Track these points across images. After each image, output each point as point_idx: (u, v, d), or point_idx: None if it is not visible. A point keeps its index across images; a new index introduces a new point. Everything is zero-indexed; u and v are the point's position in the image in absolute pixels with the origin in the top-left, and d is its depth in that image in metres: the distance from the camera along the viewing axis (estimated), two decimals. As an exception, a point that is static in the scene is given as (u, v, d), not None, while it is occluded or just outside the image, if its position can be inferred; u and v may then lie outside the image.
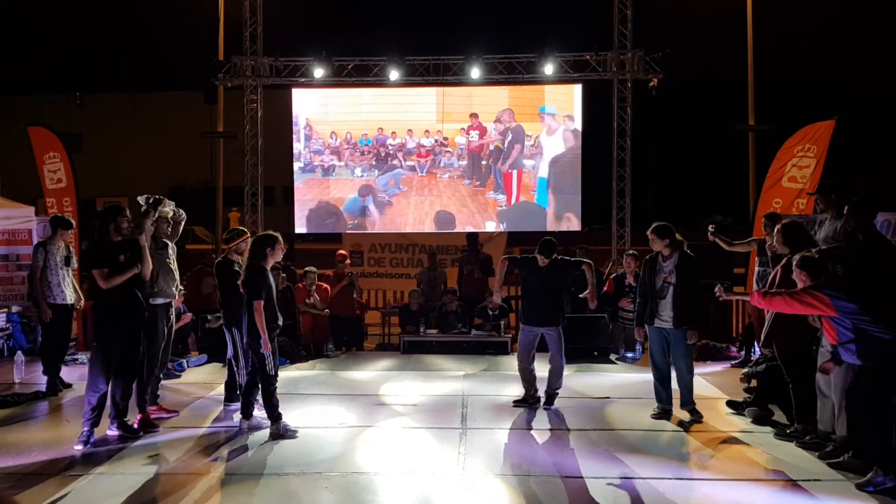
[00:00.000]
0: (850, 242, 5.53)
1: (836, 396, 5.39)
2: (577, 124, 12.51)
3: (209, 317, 7.17)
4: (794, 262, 5.29)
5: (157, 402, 6.64)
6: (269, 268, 6.13)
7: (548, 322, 6.91)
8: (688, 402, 6.55)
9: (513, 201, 12.67)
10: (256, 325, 5.92)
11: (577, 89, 12.56)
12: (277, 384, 6.10)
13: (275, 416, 6.03)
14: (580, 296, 7.07)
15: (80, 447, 5.62)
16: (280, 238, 6.25)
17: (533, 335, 6.98)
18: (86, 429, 5.73)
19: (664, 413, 6.58)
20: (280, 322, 6.27)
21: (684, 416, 6.51)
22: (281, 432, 5.96)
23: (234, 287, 6.28)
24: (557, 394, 7.00)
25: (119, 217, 5.90)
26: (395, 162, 12.70)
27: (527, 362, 6.98)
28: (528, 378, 7.01)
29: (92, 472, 5.15)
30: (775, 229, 6.15)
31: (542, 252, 6.88)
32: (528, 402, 6.99)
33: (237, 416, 6.36)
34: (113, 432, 5.92)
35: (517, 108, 12.62)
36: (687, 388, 6.55)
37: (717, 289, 5.91)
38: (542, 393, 7.03)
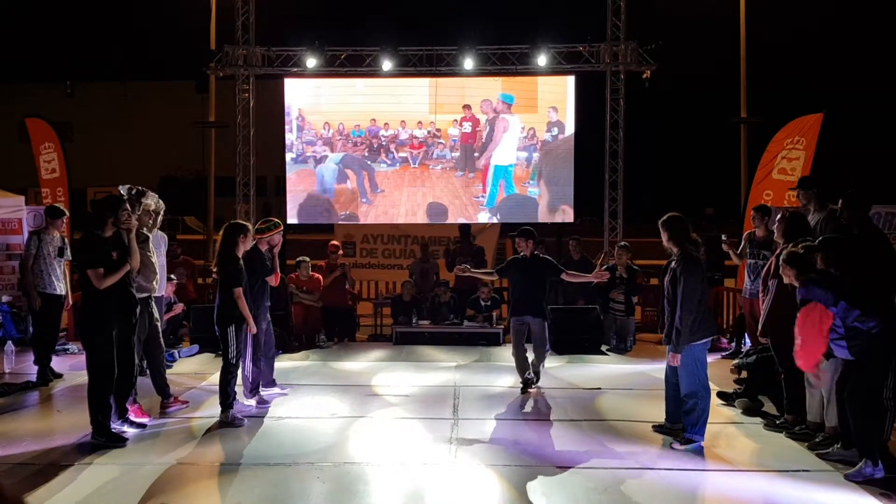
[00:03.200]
0: (845, 235, 5.55)
1: (825, 388, 5.43)
2: (571, 116, 12.49)
3: None
4: (781, 258, 5.32)
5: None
6: (241, 256, 6.18)
7: (531, 312, 7.13)
8: (689, 432, 5.50)
9: (501, 195, 12.60)
10: (223, 313, 6.04)
11: (571, 81, 12.54)
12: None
13: (228, 404, 6.07)
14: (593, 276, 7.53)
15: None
16: (250, 227, 6.36)
17: (522, 324, 7.23)
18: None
19: (667, 430, 5.78)
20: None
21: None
22: (229, 420, 6.01)
23: (255, 279, 6.49)
24: (543, 368, 7.24)
25: (120, 210, 5.57)
26: (383, 156, 12.63)
27: (521, 348, 7.18)
28: (522, 365, 7.19)
29: (82, 463, 5.14)
30: (779, 216, 6.20)
31: (521, 236, 7.17)
32: (526, 387, 7.15)
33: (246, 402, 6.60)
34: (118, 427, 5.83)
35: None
36: (689, 415, 5.49)
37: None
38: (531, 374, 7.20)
